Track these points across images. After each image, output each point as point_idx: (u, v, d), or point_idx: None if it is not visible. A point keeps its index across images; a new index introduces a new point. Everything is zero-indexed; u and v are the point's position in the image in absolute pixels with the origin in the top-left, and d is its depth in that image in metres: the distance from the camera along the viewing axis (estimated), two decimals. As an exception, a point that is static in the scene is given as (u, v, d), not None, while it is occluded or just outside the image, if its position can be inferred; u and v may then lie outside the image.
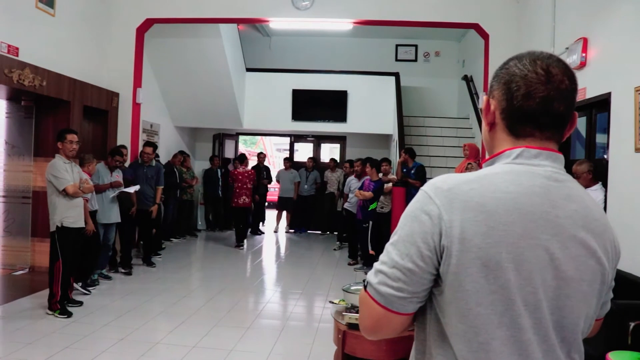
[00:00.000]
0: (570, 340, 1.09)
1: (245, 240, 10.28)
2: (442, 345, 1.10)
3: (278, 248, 10.95)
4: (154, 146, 7.91)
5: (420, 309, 1.14)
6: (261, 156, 12.33)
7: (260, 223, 12.64)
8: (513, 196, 1.06)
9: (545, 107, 1.11)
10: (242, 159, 10.46)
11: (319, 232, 12.52)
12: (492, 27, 7.91)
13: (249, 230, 12.03)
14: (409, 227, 1.10)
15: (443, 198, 1.07)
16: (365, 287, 1.15)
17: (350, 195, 8.87)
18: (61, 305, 5.33)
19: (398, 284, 1.09)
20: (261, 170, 11.89)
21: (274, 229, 12.51)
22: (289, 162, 12.39)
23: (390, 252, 1.11)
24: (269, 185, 12.44)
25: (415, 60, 13.20)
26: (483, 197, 1.05)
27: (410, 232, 1.09)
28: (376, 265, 1.14)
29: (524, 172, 1.10)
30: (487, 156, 1.24)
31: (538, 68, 1.11)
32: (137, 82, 8.50)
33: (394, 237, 1.13)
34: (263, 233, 12.28)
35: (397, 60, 13.13)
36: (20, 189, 7.13)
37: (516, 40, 7.62)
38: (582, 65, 5.51)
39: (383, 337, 1.20)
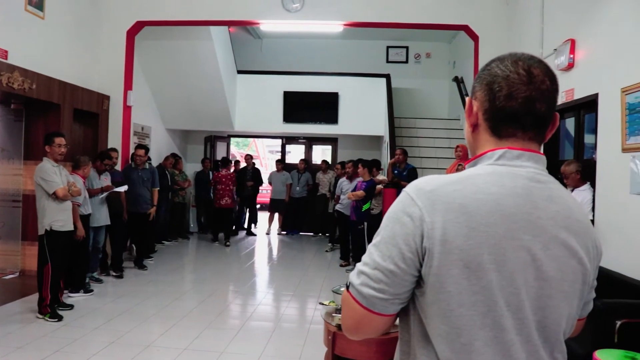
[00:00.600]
0: (553, 340, 1.09)
1: (226, 238, 10.71)
2: (426, 346, 1.10)
3: (270, 250, 10.94)
4: (146, 149, 7.91)
5: (404, 309, 1.15)
6: (247, 158, 12.33)
7: (252, 225, 12.64)
8: (495, 197, 1.06)
9: (528, 107, 1.12)
10: (224, 162, 10.96)
11: (311, 233, 12.52)
12: (481, 29, 7.96)
13: (245, 231, 12.23)
14: (391, 228, 1.10)
15: (425, 200, 1.08)
16: (347, 287, 1.16)
17: (342, 197, 8.88)
18: (51, 308, 5.31)
19: (380, 285, 1.09)
20: (247, 172, 11.90)
21: (266, 231, 12.49)
22: (281, 164, 12.38)
23: (373, 253, 1.12)
24: (261, 187, 12.50)
25: (406, 61, 13.25)
26: (465, 198, 1.06)
27: (392, 234, 1.09)
28: (358, 266, 1.14)
29: (506, 173, 1.11)
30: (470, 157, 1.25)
31: (520, 69, 1.12)
32: (128, 84, 8.48)
33: (376, 239, 1.13)
34: (255, 235, 12.29)
35: (388, 61, 13.18)
36: (10, 193, 7.08)
37: (505, 41, 7.66)
38: (570, 66, 5.56)
39: (365, 337, 1.20)
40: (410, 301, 1.14)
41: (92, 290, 6.36)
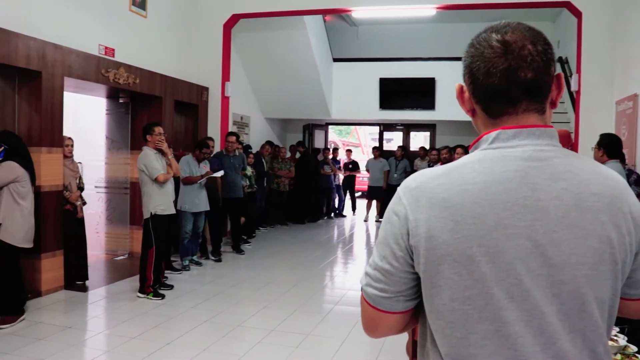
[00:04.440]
0: (581, 327, 1.02)
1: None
2: (434, 339, 1.10)
3: (368, 237, 10.98)
4: (237, 135, 8.21)
5: (421, 305, 1.14)
6: (299, 146, 12.31)
7: (352, 212, 13.12)
8: (481, 187, 1.02)
9: (509, 79, 1.05)
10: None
11: (409, 220, 12.41)
12: (585, 4, 7.46)
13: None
14: (384, 229, 1.11)
15: (410, 197, 1.07)
16: (361, 289, 1.18)
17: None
18: (154, 288, 5.70)
19: (380, 284, 1.10)
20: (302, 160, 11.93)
21: (364, 218, 12.57)
22: (378, 151, 12.40)
23: (374, 254, 1.13)
24: (358, 175, 12.88)
25: (507, 43, 12.69)
26: (449, 191, 1.03)
27: (385, 234, 1.10)
28: (365, 267, 1.16)
29: (498, 157, 1.05)
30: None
31: (493, 41, 1.06)
32: (226, 76, 8.84)
33: (377, 240, 1.15)
34: (344, 216, 13.04)
35: (487, 44, 12.69)
36: (120, 181, 7.68)
37: (612, 16, 7.14)
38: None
39: (383, 335, 1.20)
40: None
41: (187, 271, 6.78)
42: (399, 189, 1.12)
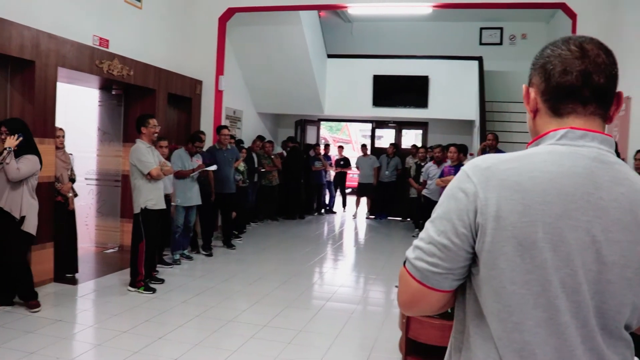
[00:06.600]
0: (612, 328, 1.06)
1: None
2: (480, 325, 1.11)
3: (357, 234, 11.00)
4: (228, 128, 8.16)
5: (461, 289, 1.17)
6: (289, 141, 12.09)
7: (342, 208, 13.10)
8: (552, 176, 1.05)
9: (584, 79, 1.11)
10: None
11: (400, 218, 12.43)
12: (580, 6, 7.49)
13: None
14: (446, 205, 1.13)
15: (480, 176, 1.09)
16: (404, 263, 1.19)
17: (429, 182, 8.75)
18: (145, 282, 5.65)
19: (433, 259, 1.11)
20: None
21: (353, 215, 12.58)
22: (367, 148, 12.42)
23: (428, 229, 1.14)
24: (349, 171, 12.89)
25: (501, 43, 12.73)
26: (520, 176, 1.06)
27: (447, 210, 1.11)
28: (415, 241, 1.17)
29: (567, 152, 1.09)
30: None
31: (571, 46, 1.13)
32: (220, 70, 8.79)
33: (433, 215, 1.15)
34: (333, 213, 12.96)
35: (481, 44, 12.72)
36: (111, 173, 7.61)
37: (607, 18, 7.17)
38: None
39: (419, 314, 1.24)
40: (467, 279, 1.15)
41: (177, 265, 6.81)
42: (465, 168, 1.15)
